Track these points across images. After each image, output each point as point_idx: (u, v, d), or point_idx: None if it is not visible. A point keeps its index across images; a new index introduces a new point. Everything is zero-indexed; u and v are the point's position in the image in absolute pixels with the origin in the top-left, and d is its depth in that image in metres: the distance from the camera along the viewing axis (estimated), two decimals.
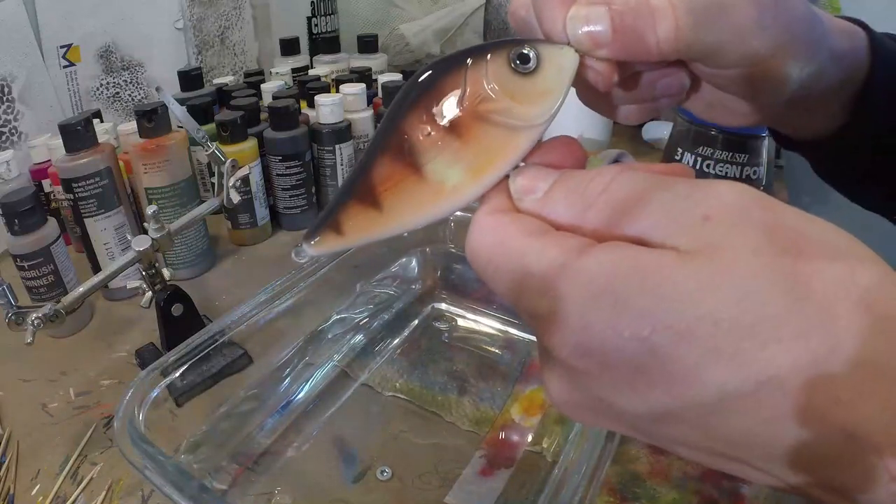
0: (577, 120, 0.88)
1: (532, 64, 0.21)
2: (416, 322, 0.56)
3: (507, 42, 0.21)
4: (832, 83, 0.29)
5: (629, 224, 0.17)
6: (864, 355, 0.14)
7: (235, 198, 0.53)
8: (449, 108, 0.21)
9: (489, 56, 0.21)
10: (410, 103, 0.21)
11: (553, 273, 0.17)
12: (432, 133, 0.21)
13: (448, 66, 0.21)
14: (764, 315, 0.15)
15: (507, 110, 0.21)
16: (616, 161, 0.72)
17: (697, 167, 0.82)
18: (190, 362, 0.40)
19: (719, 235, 0.16)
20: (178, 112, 0.50)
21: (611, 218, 0.18)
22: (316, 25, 1.10)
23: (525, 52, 0.21)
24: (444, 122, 0.21)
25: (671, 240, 0.16)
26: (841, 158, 0.34)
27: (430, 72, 0.21)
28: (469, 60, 0.21)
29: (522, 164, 0.21)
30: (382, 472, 0.41)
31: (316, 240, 0.22)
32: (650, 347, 0.16)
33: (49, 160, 0.67)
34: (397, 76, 0.88)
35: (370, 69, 0.93)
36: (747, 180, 0.80)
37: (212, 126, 0.69)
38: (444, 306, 0.58)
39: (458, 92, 0.21)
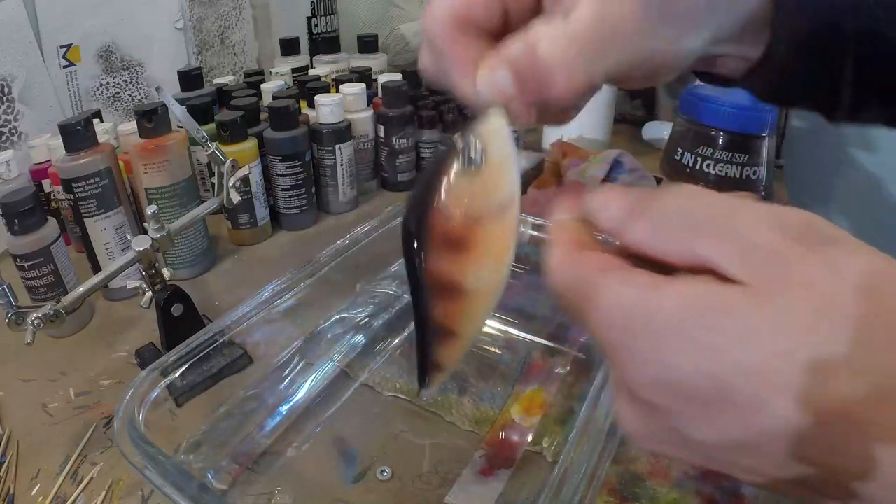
0: (577, 119, 0.88)
1: (477, 156, 0.24)
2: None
3: (448, 155, 0.24)
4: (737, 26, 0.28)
5: (699, 246, 0.18)
6: None
7: (235, 198, 0.53)
8: (451, 238, 0.24)
9: (446, 186, 0.24)
10: (421, 254, 0.25)
11: (631, 310, 0.18)
12: (452, 263, 0.25)
13: (423, 210, 0.25)
14: (831, 352, 0.16)
15: (488, 204, 0.24)
16: (616, 161, 0.72)
17: (697, 167, 0.82)
18: (190, 362, 0.39)
19: (788, 272, 0.17)
20: (178, 112, 0.50)
21: (681, 237, 0.19)
22: (316, 25, 1.10)
23: (471, 157, 0.24)
24: (455, 249, 0.24)
25: (741, 273, 0.17)
26: (786, 75, 0.34)
27: (414, 220, 0.25)
28: (436, 197, 0.24)
29: (602, 187, 0.22)
30: (382, 472, 0.41)
31: (430, 384, 0.29)
32: (725, 383, 0.17)
33: (49, 160, 0.67)
34: (397, 76, 0.89)
35: (370, 69, 0.93)
36: (747, 180, 0.80)
37: (212, 126, 0.69)
38: None
39: (449, 223, 0.24)
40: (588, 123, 0.88)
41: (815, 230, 0.17)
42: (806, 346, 0.16)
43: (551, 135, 0.89)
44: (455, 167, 0.24)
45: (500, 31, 0.24)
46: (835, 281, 0.16)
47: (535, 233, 0.52)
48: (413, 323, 0.28)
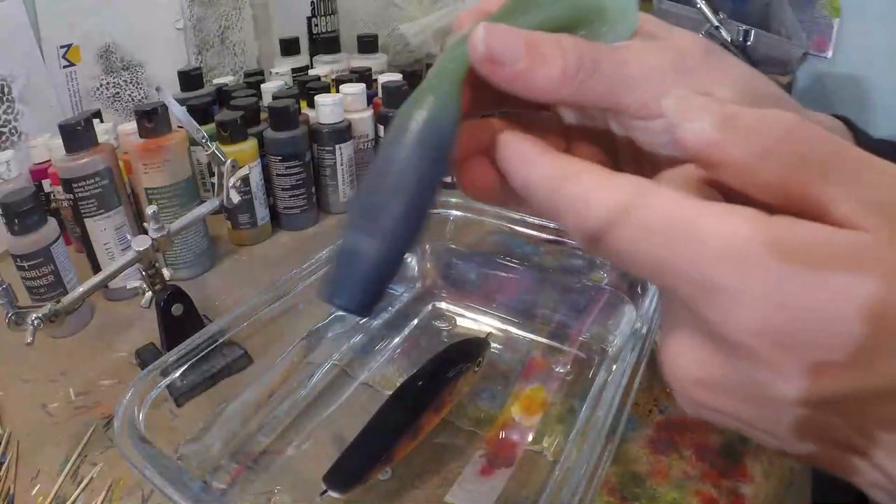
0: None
1: (479, 368, 0.45)
2: (415, 321, 0.56)
3: (468, 359, 0.45)
4: None
5: (814, 185, 0.17)
6: None
7: (235, 198, 0.53)
8: (440, 403, 0.42)
9: (460, 382, 0.43)
10: (425, 406, 0.41)
11: (748, 247, 0.16)
12: (430, 420, 0.41)
13: (442, 385, 0.42)
14: None
15: (463, 393, 0.44)
16: None
17: None
18: (190, 362, 0.39)
19: None
20: (178, 112, 0.50)
21: (793, 169, 0.17)
22: (316, 25, 1.10)
23: (478, 365, 0.45)
24: (438, 411, 0.42)
25: (862, 219, 0.16)
26: None
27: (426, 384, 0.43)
28: (453, 383, 0.43)
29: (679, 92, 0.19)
30: (382, 471, 0.41)
31: (345, 492, 0.37)
32: (845, 330, 0.15)
33: (49, 160, 0.67)
34: (397, 76, 0.88)
35: (370, 69, 0.93)
36: None
37: (212, 126, 0.69)
38: (444, 305, 0.58)
39: (447, 394, 0.42)
40: None
41: None
42: None
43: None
44: (469, 368, 0.44)
45: None
46: None
47: (533, 233, 0.52)
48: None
